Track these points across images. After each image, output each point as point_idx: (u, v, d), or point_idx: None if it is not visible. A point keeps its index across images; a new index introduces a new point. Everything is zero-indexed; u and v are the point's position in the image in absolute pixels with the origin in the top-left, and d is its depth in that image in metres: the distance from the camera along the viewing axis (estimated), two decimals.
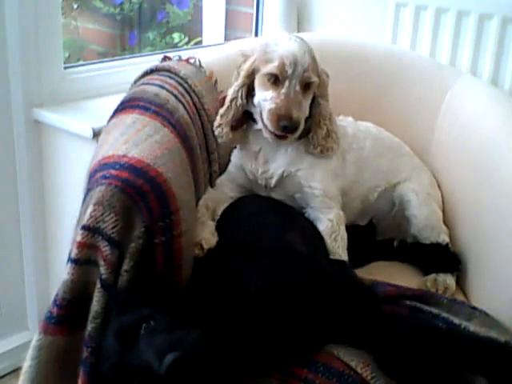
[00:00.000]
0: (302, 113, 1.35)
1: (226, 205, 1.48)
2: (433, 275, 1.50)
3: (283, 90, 1.34)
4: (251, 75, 1.42)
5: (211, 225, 1.38)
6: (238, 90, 1.43)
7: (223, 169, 1.55)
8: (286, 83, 1.34)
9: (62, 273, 1.19)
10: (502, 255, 1.36)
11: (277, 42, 1.39)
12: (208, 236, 1.33)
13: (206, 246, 1.30)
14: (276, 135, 1.37)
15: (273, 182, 1.46)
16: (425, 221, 1.56)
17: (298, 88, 1.33)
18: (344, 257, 1.42)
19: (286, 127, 1.33)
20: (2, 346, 1.84)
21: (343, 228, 1.46)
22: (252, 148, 1.47)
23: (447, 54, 1.90)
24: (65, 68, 1.82)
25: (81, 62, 2.12)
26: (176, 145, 1.31)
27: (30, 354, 1.14)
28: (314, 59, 1.39)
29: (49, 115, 1.73)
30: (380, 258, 1.56)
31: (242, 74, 1.43)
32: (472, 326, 1.25)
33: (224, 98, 1.50)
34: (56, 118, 1.72)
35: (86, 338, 1.11)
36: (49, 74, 1.75)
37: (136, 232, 1.12)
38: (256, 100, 1.41)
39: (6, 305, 1.82)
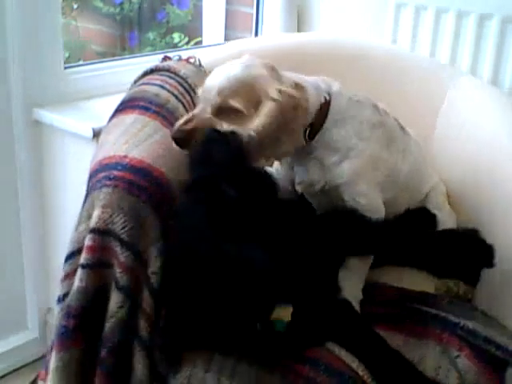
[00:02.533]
0: (203, 132, 1.26)
1: None
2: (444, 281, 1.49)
3: (193, 111, 1.30)
4: None
5: None
6: None
7: None
8: (200, 104, 1.29)
9: (60, 272, 1.20)
10: (502, 255, 1.36)
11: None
12: None
13: None
14: None
15: (314, 190, 1.39)
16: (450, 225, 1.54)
17: (209, 110, 1.27)
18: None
19: (173, 139, 1.26)
20: (1, 346, 1.84)
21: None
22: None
23: (447, 54, 1.91)
24: (65, 68, 1.82)
25: (81, 62, 2.12)
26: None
27: (52, 377, 1.12)
28: (247, 88, 1.28)
29: (49, 115, 1.73)
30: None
31: None
32: (471, 325, 1.25)
33: None
34: (56, 118, 1.72)
35: (103, 338, 1.11)
36: (49, 74, 1.75)
37: (152, 234, 1.12)
38: None
39: (5, 304, 1.82)
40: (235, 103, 1.25)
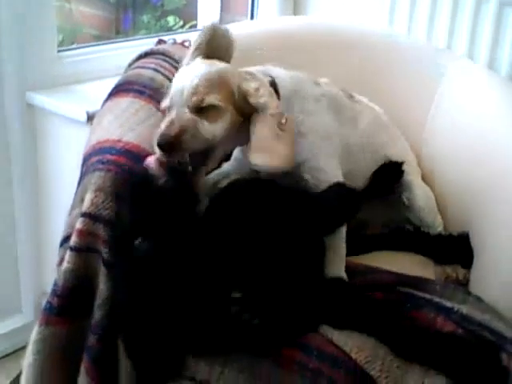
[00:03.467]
0: (188, 133, 1.21)
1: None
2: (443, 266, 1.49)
3: (170, 115, 1.24)
4: None
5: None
6: None
7: None
8: (174, 108, 1.24)
9: (55, 256, 1.20)
10: (497, 242, 1.37)
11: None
12: None
13: None
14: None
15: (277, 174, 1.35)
16: (424, 203, 1.55)
17: (186, 111, 1.22)
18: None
19: (159, 146, 1.20)
20: None
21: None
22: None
23: (444, 38, 1.89)
24: (58, 51, 1.80)
25: (75, 46, 2.10)
26: None
27: (31, 348, 1.14)
28: (220, 83, 1.26)
29: (42, 99, 1.71)
30: (387, 247, 1.54)
31: None
32: (465, 309, 1.25)
33: None
34: (50, 101, 1.71)
35: (93, 325, 1.11)
36: (42, 58, 1.74)
37: None
38: None
39: None
40: (212, 100, 1.23)
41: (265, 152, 1.25)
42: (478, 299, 1.34)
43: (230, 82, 1.26)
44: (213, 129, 1.24)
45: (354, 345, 1.12)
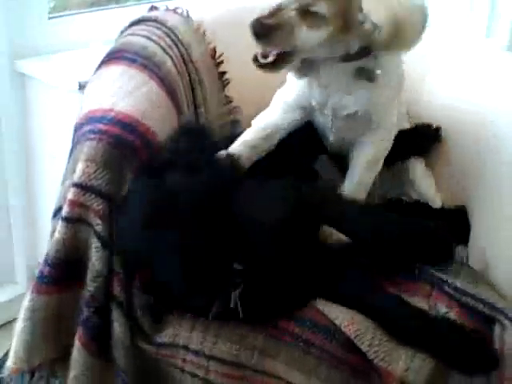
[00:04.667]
0: (283, 31, 1.21)
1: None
2: None
3: (277, 2, 1.22)
4: None
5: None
6: None
7: (211, 123, 1.52)
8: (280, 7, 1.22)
9: (48, 226, 1.19)
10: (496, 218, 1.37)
11: None
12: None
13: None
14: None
15: (343, 114, 1.37)
16: (424, 177, 1.55)
17: (293, 6, 1.20)
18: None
19: (252, 28, 1.20)
20: None
21: (381, 164, 1.43)
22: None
23: None
24: (49, 18, 1.78)
25: (66, 12, 2.07)
26: (163, 98, 1.29)
27: (22, 315, 1.14)
28: None
29: (33, 67, 1.69)
30: None
31: None
32: (459, 283, 1.26)
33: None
34: (41, 70, 1.68)
35: (88, 299, 1.12)
36: (33, 25, 1.71)
37: (126, 188, 1.12)
38: None
39: None
40: (321, 9, 1.20)
41: None
42: (471, 270, 1.35)
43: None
44: (308, 37, 1.23)
45: (345, 318, 1.12)
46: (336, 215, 1.23)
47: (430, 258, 1.23)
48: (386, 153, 1.43)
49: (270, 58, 1.25)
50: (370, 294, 1.17)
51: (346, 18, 1.22)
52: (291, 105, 1.40)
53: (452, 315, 1.19)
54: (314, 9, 1.20)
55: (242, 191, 1.16)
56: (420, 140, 1.56)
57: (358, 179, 1.40)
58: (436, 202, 1.54)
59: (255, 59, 1.26)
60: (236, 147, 1.37)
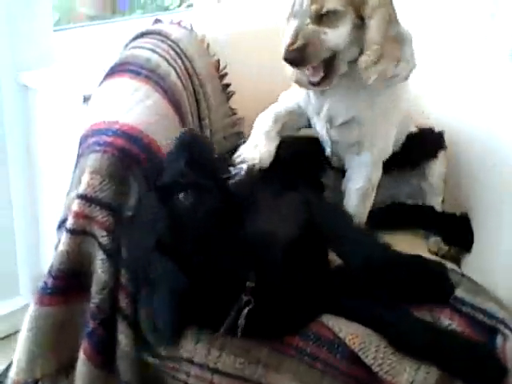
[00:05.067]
0: (313, 44, 1.25)
1: (294, 125, 1.46)
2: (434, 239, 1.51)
3: (292, 26, 1.27)
4: None
5: (274, 143, 1.38)
6: None
7: (215, 135, 1.53)
8: (296, 18, 1.27)
9: (52, 237, 1.19)
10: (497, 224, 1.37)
11: None
12: (264, 156, 1.35)
13: (257, 166, 1.32)
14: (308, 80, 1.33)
15: (338, 121, 1.40)
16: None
17: (308, 21, 1.25)
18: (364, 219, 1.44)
19: (286, 59, 1.27)
20: None
21: (374, 191, 1.45)
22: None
23: None
24: (54, 31, 1.79)
25: (71, 25, 2.08)
26: (168, 110, 1.30)
27: (26, 325, 1.15)
28: None
29: (38, 79, 1.70)
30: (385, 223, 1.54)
31: None
32: (459, 293, 1.26)
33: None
34: (45, 82, 1.69)
35: (94, 310, 1.12)
36: (38, 37, 1.71)
37: (132, 200, 1.12)
38: None
39: None
40: (331, 5, 1.25)
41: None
42: (471, 281, 1.35)
43: None
44: (335, 35, 1.27)
45: (349, 331, 1.12)
46: (332, 237, 1.24)
47: (428, 297, 1.23)
48: (376, 183, 1.45)
49: (321, 74, 1.30)
50: (377, 307, 1.17)
51: (357, 6, 1.27)
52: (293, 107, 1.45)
53: (455, 327, 1.18)
54: (325, 10, 1.25)
55: (253, 208, 1.15)
56: (427, 145, 1.56)
57: (354, 211, 1.42)
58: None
59: (310, 83, 1.32)
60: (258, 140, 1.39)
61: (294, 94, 1.46)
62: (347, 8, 1.26)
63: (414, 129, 1.57)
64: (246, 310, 1.08)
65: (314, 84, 1.32)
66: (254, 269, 1.09)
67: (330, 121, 1.40)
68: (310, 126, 1.49)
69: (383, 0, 1.29)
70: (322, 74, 1.30)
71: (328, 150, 1.47)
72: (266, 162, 1.35)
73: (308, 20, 1.25)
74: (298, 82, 1.38)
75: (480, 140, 1.52)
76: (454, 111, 1.63)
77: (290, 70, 1.37)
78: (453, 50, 1.72)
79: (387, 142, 1.43)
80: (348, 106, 1.37)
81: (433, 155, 1.55)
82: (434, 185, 1.56)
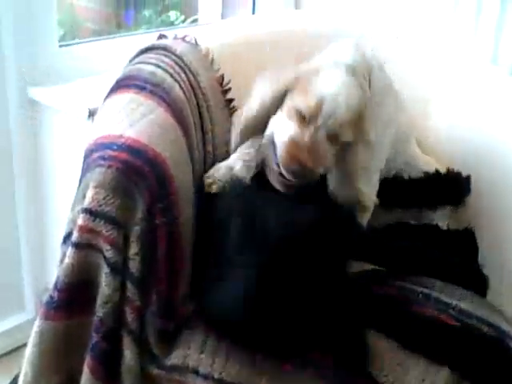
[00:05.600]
0: (319, 165, 1.22)
1: None
2: None
3: (309, 133, 1.21)
4: (281, 95, 1.30)
5: (251, 172, 1.33)
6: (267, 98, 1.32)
7: (218, 149, 1.53)
8: (313, 128, 1.21)
9: (57, 253, 1.20)
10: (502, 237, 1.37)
11: (324, 70, 1.26)
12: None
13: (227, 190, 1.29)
14: (283, 179, 1.24)
15: None
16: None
17: (323, 137, 1.20)
18: None
19: (294, 172, 1.20)
20: None
21: (372, 205, 1.42)
22: None
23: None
24: (60, 46, 1.80)
25: (76, 40, 2.10)
26: (172, 124, 1.30)
27: (31, 339, 1.15)
28: (357, 116, 1.24)
29: (44, 94, 1.71)
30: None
31: (277, 85, 1.31)
32: (463, 304, 1.26)
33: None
34: (51, 97, 1.70)
35: (97, 323, 1.12)
36: (44, 53, 1.73)
37: (139, 214, 1.12)
38: (274, 127, 1.29)
39: (1, 285, 1.82)
40: (348, 137, 1.23)
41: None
42: (478, 296, 1.35)
43: (364, 117, 1.25)
44: (330, 157, 1.24)
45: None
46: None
47: None
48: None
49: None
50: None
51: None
52: None
53: None
54: (343, 139, 1.23)
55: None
56: (451, 189, 1.53)
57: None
58: None
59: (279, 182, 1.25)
60: None
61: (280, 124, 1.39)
62: (355, 140, 1.26)
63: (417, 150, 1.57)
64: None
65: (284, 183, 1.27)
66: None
67: None
68: None
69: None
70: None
71: None
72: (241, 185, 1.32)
73: (324, 133, 1.20)
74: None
75: (484, 156, 1.53)
76: (458, 124, 1.64)
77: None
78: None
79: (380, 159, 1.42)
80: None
81: (456, 202, 1.53)
82: None
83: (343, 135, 1.22)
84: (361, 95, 1.25)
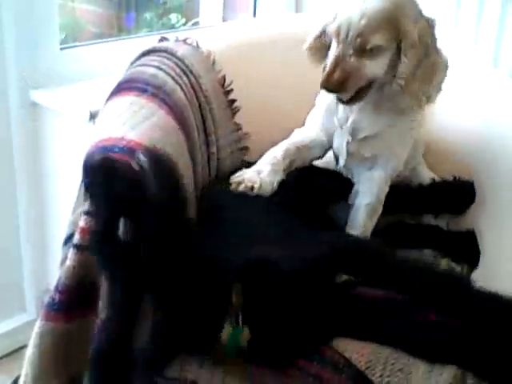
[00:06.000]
0: (353, 77, 1.28)
1: (304, 161, 1.47)
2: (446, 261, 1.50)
3: (333, 53, 1.30)
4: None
5: (279, 177, 1.38)
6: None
7: (222, 150, 1.54)
8: (340, 46, 1.29)
9: (58, 254, 1.20)
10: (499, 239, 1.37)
11: None
12: (265, 183, 1.35)
13: (256, 190, 1.33)
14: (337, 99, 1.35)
15: (360, 135, 1.42)
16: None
17: (350, 52, 1.27)
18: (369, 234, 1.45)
19: (325, 88, 1.29)
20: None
21: (381, 208, 1.46)
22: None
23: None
24: (61, 49, 1.80)
25: (77, 43, 2.10)
26: (173, 127, 1.30)
27: (32, 341, 1.15)
28: (385, 19, 1.27)
29: (46, 97, 1.71)
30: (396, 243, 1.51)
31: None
32: None
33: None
34: (53, 99, 1.70)
35: (100, 326, 1.11)
36: (45, 56, 1.73)
37: None
38: None
39: (3, 286, 1.83)
40: (376, 41, 1.27)
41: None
42: None
43: (399, 19, 1.27)
44: (375, 67, 1.30)
45: (354, 350, 1.12)
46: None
47: None
48: (383, 199, 1.46)
49: (351, 94, 1.32)
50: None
51: (400, 35, 1.28)
52: (318, 125, 1.47)
53: None
54: (369, 46, 1.27)
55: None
56: (455, 198, 1.56)
57: (360, 226, 1.44)
58: None
59: (338, 99, 1.34)
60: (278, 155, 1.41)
61: (306, 131, 1.48)
62: (390, 43, 1.28)
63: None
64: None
65: (342, 101, 1.35)
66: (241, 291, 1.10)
67: (352, 133, 1.42)
68: (321, 157, 1.51)
69: (422, 36, 1.30)
70: (351, 95, 1.32)
71: (341, 162, 1.48)
72: (266, 190, 1.35)
73: (351, 51, 1.27)
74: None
75: (485, 158, 1.53)
76: (459, 126, 1.64)
77: None
78: None
79: (400, 161, 1.46)
80: (373, 121, 1.40)
81: (459, 211, 1.57)
82: None
83: (369, 41, 1.26)
84: (389, 3, 1.28)
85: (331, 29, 1.30)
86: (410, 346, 1.12)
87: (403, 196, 1.53)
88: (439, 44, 1.36)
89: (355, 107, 1.40)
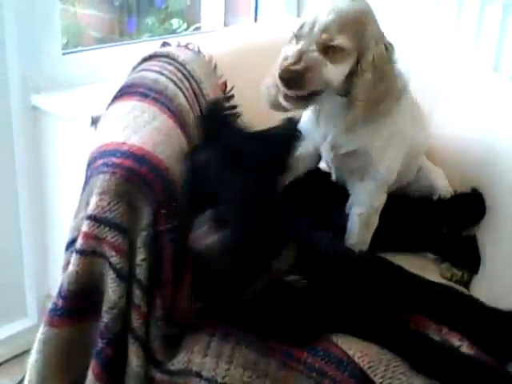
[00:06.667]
0: (312, 73, 1.24)
1: (297, 173, 1.45)
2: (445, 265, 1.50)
3: (297, 47, 1.25)
4: None
5: None
6: None
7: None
8: (301, 41, 1.26)
9: (60, 258, 1.20)
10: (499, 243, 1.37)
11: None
12: None
13: None
14: (284, 96, 1.29)
15: (341, 151, 1.40)
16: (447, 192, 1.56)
17: (313, 47, 1.24)
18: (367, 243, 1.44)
19: (282, 79, 1.24)
20: (1, 333, 1.85)
21: (378, 216, 1.44)
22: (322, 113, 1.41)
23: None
24: (63, 54, 1.81)
25: (79, 48, 2.11)
26: (175, 131, 1.31)
27: (35, 347, 1.15)
28: (353, 24, 1.26)
29: (47, 102, 1.72)
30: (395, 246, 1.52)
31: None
32: None
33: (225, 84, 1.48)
34: (54, 104, 1.71)
35: (102, 330, 1.12)
36: (47, 60, 1.74)
37: (145, 221, 1.12)
38: None
39: (4, 291, 1.83)
40: (342, 41, 1.24)
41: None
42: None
43: (365, 27, 1.26)
44: (335, 71, 1.26)
45: (358, 349, 1.12)
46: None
47: None
48: (380, 207, 1.44)
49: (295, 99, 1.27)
50: (394, 329, 1.18)
51: (362, 48, 1.26)
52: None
53: (465, 349, 1.18)
54: (334, 43, 1.23)
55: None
56: (466, 212, 1.55)
57: (357, 238, 1.43)
58: None
59: (285, 97, 1.29)
60: None
61: (302, 124, 1.46)
62: (353, 50, 1.26)
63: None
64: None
65: (287, 100, 1.30)
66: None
67: (334, 149, 1.41)
68: (315, 167, 1.52)
69: (380, 58, 1.28)
70: (302, 94, 1.28)
71: (333, 176, 1.49)
72: None
73: (314, 46, 1.24)
74: (273, 105, 1.36)
75: (486, 164, 1.53)
76: (460, 131, 1.64)
77: (265, 91, 1.36)
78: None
79: (392, 169, 1.42)
80: (350, 138, 1.37)
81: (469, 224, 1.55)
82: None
83: (335, 38, 1.23)
84: (355, 4, 1.27)
85: (291, 35, 1.28)
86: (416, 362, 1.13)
87: (420, 208, 1.53)
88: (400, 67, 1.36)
89: (331, 125, 1.38)
